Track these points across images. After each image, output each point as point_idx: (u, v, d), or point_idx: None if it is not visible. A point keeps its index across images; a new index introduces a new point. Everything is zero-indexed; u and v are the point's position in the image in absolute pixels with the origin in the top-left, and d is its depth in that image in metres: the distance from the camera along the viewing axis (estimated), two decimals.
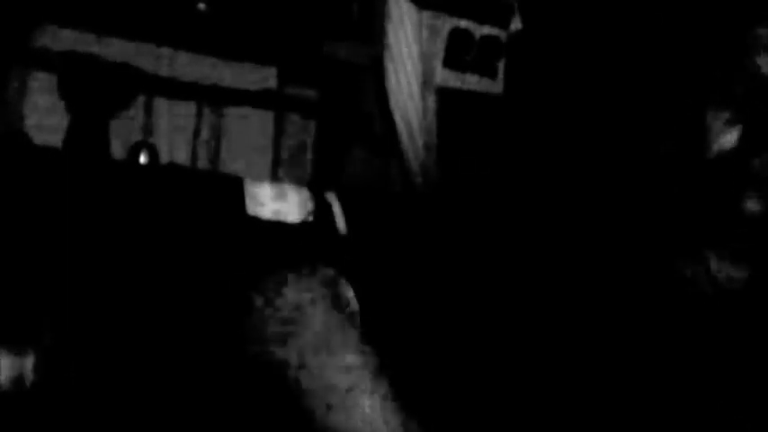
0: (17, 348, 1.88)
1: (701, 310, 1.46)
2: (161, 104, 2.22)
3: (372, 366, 1.40)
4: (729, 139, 1.43)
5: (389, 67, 2.40)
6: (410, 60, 2.41)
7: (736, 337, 1.46)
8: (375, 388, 1.39)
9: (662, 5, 1.54)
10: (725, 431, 1.43)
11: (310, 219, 2.10)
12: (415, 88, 2.41)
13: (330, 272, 1.46)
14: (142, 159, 2.18)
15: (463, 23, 2.49)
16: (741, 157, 1.42)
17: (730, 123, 1.43)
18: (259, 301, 1.45)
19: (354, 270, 1.48)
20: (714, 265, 1.43)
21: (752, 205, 1.40)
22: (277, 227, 2.07)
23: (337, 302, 1.43)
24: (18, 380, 1.87)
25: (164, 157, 2.21)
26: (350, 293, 1.45)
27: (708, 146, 1.44)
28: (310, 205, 2.13)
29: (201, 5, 2.20)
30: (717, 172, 1.42)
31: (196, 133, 2.26)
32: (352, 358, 1.40)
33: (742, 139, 1.42)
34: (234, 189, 2.09)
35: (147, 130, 2.21)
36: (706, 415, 1.44)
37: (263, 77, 2.32)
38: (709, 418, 1.44)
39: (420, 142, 2.41)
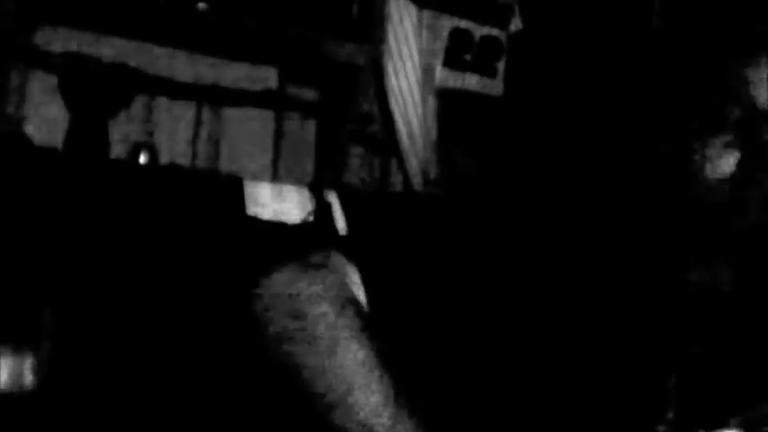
0: (17, 348, 1.88)
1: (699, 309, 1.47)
2: (161, 104, 2.22)
3: (375, 365, 1.40)
4: (726, 162, 1.45)
5: (389, 67, 2.40)
6: (410, 60, 2.41)
7: (731, 336, 1.47)
8: (377, 387, 1.39)
9: (663, 14, 1.55)
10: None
11: (310, 219, 2.10)
12: (415, 88, 2.41)
13: (336, 269, 1.46)
14: (142, 159, 2.18)
15: (463, 23, 2.49)
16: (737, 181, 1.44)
17: (727, 148, 1.45)
18: (262, 301, 1.44)
19: (360, 268, 1.48)
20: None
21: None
22: (277, 227, 2.07)
23: (344, 301, 1.43)
24: (18, 380, 1.87)
25: (164, 157, 2.22)
26: (358, 293, 1.45)
27: (705, 168, 1.45)
28: (310, 205, 2.13)
29: (201, 5, 2.20)
30: (713, 194, 1.44)
31: (196, 133, 2.26)
32: (354, 356, 1.40)
33: (739, 164, 1.44)
34: (234, 189, 2.09)
35: (147, 130, 2.21)
36: (703, 413, 1.45)
37: (263, 77, 2.33)
38: (707, 415, 1.44)
39: (420, 142, 2.41)
